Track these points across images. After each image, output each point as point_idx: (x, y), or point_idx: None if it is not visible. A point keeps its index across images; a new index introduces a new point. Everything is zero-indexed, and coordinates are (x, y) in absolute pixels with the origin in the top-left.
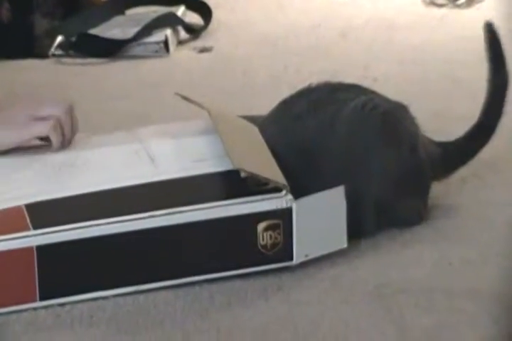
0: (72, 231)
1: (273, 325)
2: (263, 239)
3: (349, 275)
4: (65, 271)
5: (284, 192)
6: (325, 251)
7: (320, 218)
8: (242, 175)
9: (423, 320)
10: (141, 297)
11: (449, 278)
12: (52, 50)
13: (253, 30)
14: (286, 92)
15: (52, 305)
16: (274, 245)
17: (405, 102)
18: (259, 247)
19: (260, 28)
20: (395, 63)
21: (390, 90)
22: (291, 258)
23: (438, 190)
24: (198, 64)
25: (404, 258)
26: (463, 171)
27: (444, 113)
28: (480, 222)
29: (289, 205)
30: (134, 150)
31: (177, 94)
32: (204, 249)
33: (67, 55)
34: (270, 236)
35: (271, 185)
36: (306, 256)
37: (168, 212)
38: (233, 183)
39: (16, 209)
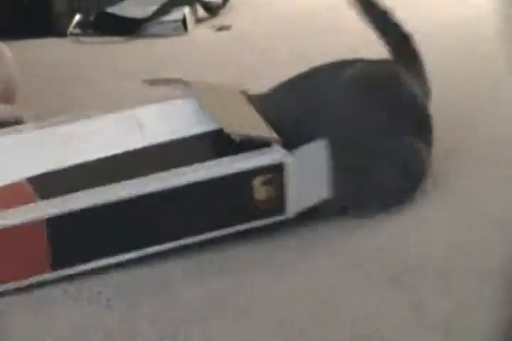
0: (79, 200)
1: (292, 309)
2: (259, 194)
3: (367, 257)
4: (74, 240)
5: (276, 146)
6: (313, 203)
7: (308, 170)
8: (235, 137)
9: (441, 303)
10: (148, 270)
11: (467, 259)
12: (71, 28)
13: (272, 8)
14: (305, 68)
15: (60, 281)
16: (268, 199)
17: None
18: (256, 202)
19: (279, 5)
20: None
21: None
22: (284, 212)
23: (456, 166)
24: (216, 42)
25: (421, 239)
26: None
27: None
28: (498, 201)
29: (282, 159)
30: (123, 119)
31: (145, 81)
32: (203, 208)
33: (86, 34)
34: (266, 190)
35: (261, 141)
36: (297, 208)
37: (162, 176)
38: (222, 141)
39: (19, 184)
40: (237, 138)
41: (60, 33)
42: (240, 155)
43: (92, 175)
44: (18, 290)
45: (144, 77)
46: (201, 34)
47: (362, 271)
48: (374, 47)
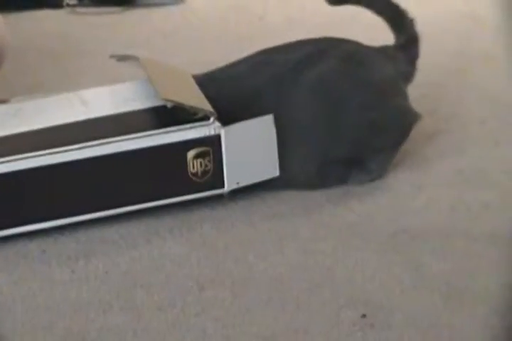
0: (7, 164)
1: (288, 274)
2: (193, 167)
3: (365, 222)
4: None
5: (211, 119)
6: (257, 180)
7: (250, 146)
8: (168, 104)
9: (440, 266)
10: (156, 251)
11: (467, 222)
12: None
13: None
14: (303, 36)
15: (67, 262)
16: (204, 172)
17: (427, 43)
18: (190, 175)
19: None
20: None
21: None
22: (223, 186)
23: (458, 129)
24: (213, 10)
25: (420, 203)
26: (482, 112)
27: (465, 52)
28: (498, 163)
29: (217, 132)
30: (67, 97)
31: (112, 56)
32: (135, 178)
33: (82, 5)
34: (200, 163)
35: (199, 114)
36: (238, 183)
37: (98, 143)
38: (163, 116)
39: None
40: (170, 105)
41: (56, 4)
42: (175, 127)
43: (29, 143)
44: None
45: (141, 48)
46: (199, 2)
47: (358, 235)
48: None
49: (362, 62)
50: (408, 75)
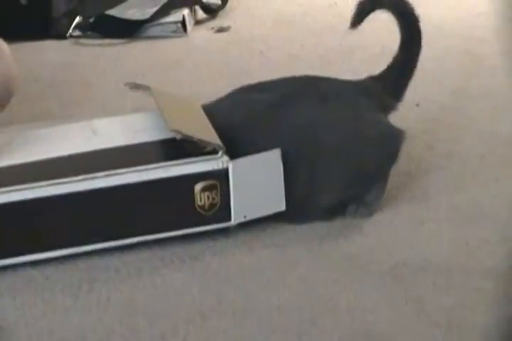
0: (16, 193)
1: (289, 304)
2: (201, 200)
3: (366, 254)
4: (13, 231)
5: (220, 153)
6: (264, 213)
7: (257, 180)
8: (177, 136)
9: (440, 299)
10: (158, 279)
11: (466, 257)
12: (71, 30)
13: (270, 9)
14: (303, 71)
15: (70, 288)
16: (211, 206)
17: (426, 79)
18: (197, 208)
19: (277, 7)
20: None
21: None
22: (230, 219)
23: (457, 165)
24: (216, 44)
25: (420, 237)
26: (481, 149)
27: (463, 89)
28: (498, 199)
29: (225, 166)
30: (79, 126)
31: (127, 83)
32: (142, 209)
33: (85, 36)
34: (208, 196)
35: (208, 148)
36: (245, 217)
37: (106, 174)
38: (172, 148)
39: None
40: (178, 137)
41: (60, 35)
42: (184, 160)
43: (37, 172)
44: None
45: (144, 78)
46: (200, 35)
47: (359, 267)
48: (369, 49)
49: (338, 101)
50: (388, 107)
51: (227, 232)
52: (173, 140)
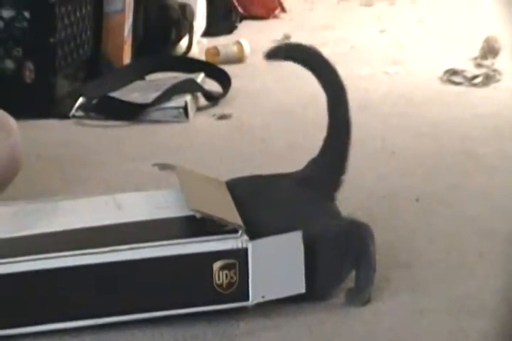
0: (31, 262)
1: None
2: (219, 278)
3: None
4: (17, 302)
5: (239, 232)
6: (282, 295)
7: (276, 261)
8: (197, 215)
9: None
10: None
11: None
12: (73, 111)
13: (271, 99)
14: (303, 159)
15: None
16: (229, 284)
17: (424, 177)
18: (215, 286)
19: (278, 97)
20: (412, 137)
21: (406, 163)
22: (248, 299)
23: (456, 259)
24: (217, 130)
25: (420, 328)
26: (480, 245)
27: (460, 186)
28: (496, 293)
29: (244, 245)
30: (103, 200)
31: (155, 164)
32: (159, 285)
33: (88, 117)
34: (226, 275)
35: (228, 227)
36: (263, 297)
37: (127, 248)
38: (192, 225)
39: None
40: (198, 216)
41: (63, 115)
42: (203, 238)
43: (55, 243)
44: None
45: (145, 161)
46: (202, 122)
47: None
48: (371, 143)
49: (268, 198)
50: (329, 194)
51: (226, 311)
52: (194, 217)
